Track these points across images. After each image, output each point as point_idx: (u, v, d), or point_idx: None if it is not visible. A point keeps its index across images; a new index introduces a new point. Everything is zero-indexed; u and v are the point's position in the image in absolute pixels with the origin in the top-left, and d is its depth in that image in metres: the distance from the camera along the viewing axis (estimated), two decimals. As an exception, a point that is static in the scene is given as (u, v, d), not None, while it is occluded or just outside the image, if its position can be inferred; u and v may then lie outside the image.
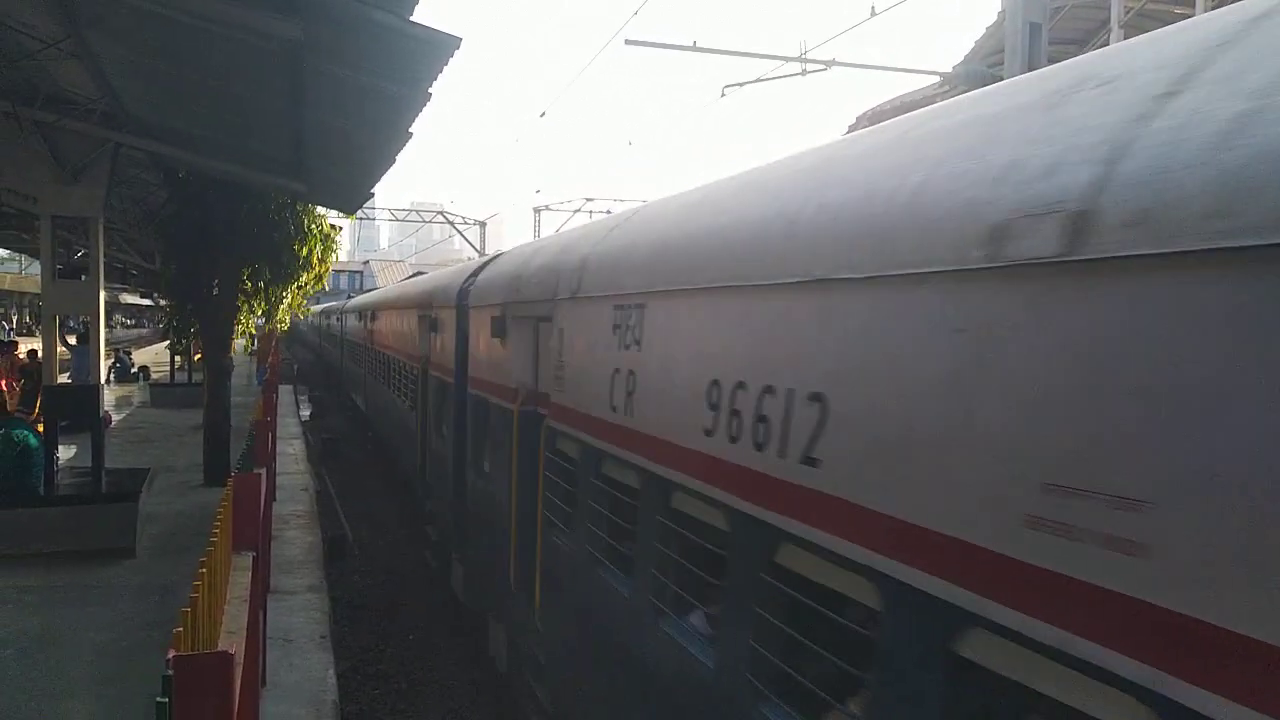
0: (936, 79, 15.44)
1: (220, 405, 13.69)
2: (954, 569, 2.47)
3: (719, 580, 3.90)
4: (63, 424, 11.03)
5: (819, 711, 3.16)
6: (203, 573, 3.43)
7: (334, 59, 6.40)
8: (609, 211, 32.60)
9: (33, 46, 7.81)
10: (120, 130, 9.97)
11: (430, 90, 6.54)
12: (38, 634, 7.35)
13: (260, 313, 15.01)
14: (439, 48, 5.72)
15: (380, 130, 7.79)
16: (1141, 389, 1.98)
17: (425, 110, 7.02)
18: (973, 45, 16.32)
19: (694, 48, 14.81)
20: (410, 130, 7.61)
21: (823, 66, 14.06)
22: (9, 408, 14.19)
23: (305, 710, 6.55)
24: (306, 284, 14.85)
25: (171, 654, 2.69)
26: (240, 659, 3.67)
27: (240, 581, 4.81)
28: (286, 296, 14.94)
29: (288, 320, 16.00)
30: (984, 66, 14.45)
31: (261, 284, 14.14)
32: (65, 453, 12.42)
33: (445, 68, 6.11)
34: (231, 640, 3.53)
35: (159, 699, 2.50)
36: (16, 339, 25.88)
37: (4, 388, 17.01)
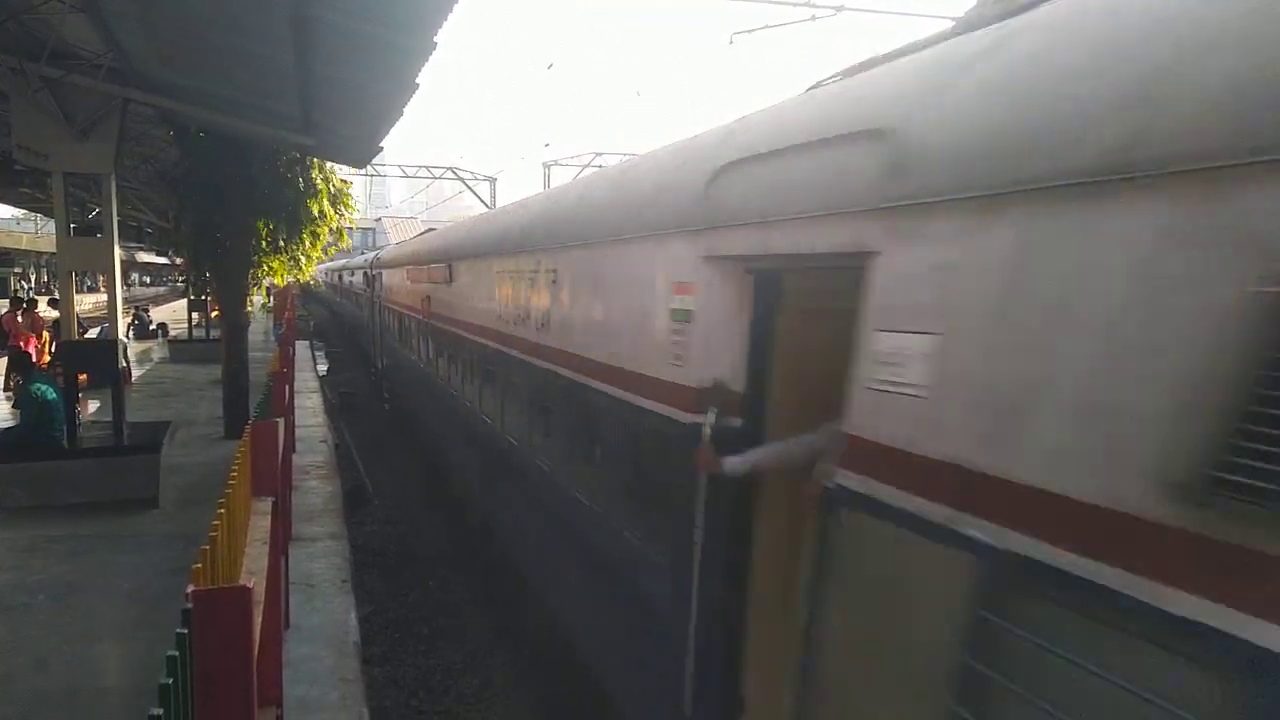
0: (950, 23, 15.13)
1: (238, 360, 13.86)
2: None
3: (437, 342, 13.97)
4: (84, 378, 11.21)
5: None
6: (221, 514, 3.54)
7: (337, 8, 6.37)
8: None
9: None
10: (128, 86, 9.97)
11: (436, 39, 6.50)
12: (68, 581, 7.57)
13: (278, 269, 15.04)
14: (442, -6, 5.69)
15: (386, 81, 7.77)
16: None
17: (432, 61, 7.00)
18: (988, -14, 15.92)
19: (703, -8, 14.56)
20: (417, 81, 7.58)
21: (832, 11, 13.82)
22: (39, 363, 14.44)
23: (328, 651, 6.75)
24: (321, 238, 14.88)
25: (190, 589, 2.79)
26: (261, 599, 3.79)
27: (261, 525, 4.94)
28: (314, 252, 14.97)
29: (313, 269, 16.19)
30: (998, 9, 14.14)
31: (281, 240, 14.20)
32: (90, 406, 12.63)
33: (449, 15, 6.08)
34: (251, 578, 3.65)
35: (178, 630, 2.60)
36: (36, 298, 26.15)
37: (28, 346, 17.29)
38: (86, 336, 16.35)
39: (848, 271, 3.17)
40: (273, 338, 26.63)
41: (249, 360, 14.32)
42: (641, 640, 5.26)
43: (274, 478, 5.66)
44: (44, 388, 10.22)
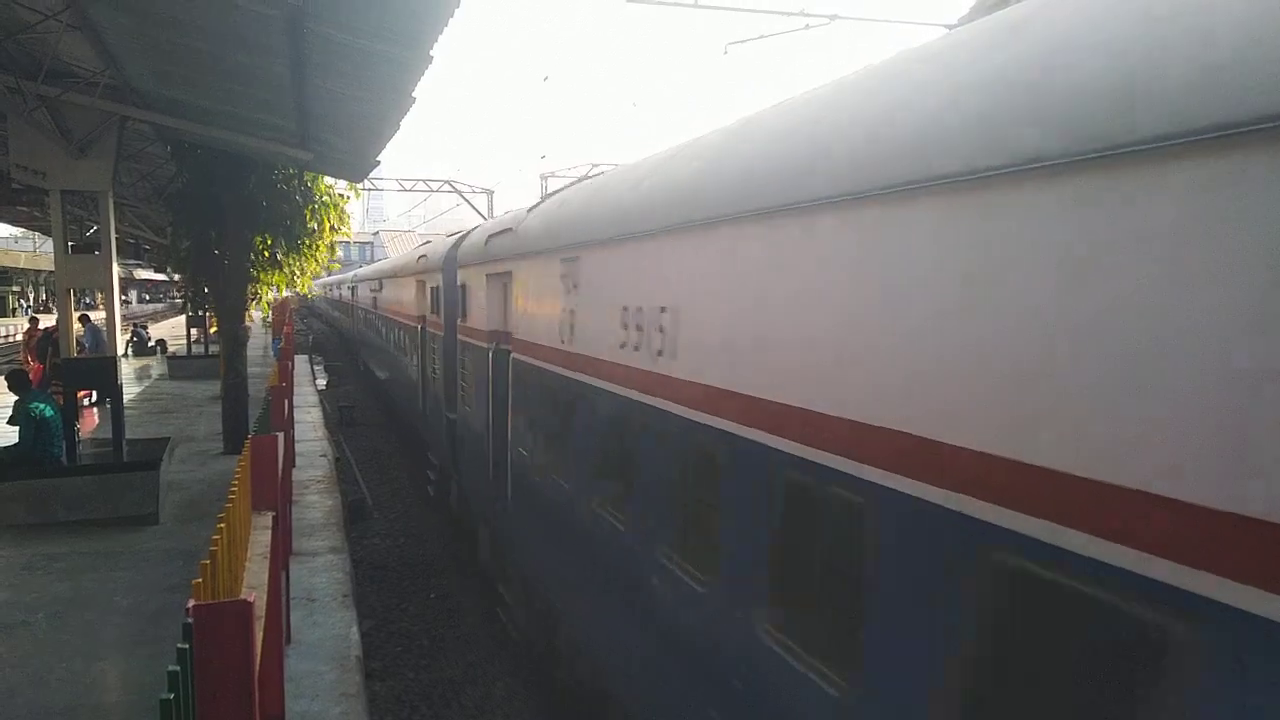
0: (942, 31, 15.22)
1: (237, 375, 13.85)
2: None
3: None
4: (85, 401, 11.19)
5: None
6: (221, 528, 3.53)
7: (333, 23, 6.39)
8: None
9: (31, 19, 7.82)
10: (125, 103, 9.99)
11: (432, 53, 6.52)
12: (67, 598, 7.54)
13: (277, 283, 15.06)
14: (438, 7, 5.71)
15: (383, 95, 7.78)
16: None
17: (428, 74, 7.02)
18: (979, -6, 16.02)
19: (695, 4, 14.63)
20: (414, 95, 7.60)
21: (825, 20, 13.89)
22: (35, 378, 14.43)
23: (329, 666, 6.72)
24: (320, 251, 14.91)
25: (191, 604, 2.78)
26: (262, 613, 3.78)
27: (261, 540, 4.93)
28: (308, 267, 14.98)
29: (310, 286, 16.21)
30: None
31: (279, 254, 14.22)
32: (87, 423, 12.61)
33: (445, 29, 6.10)
34: (252, 593, 3.64)
35: (179, 645, 2.59)
36: (36, 315, 26.20)
37: (27, 361, 17.33)
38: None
39: None
40: (272, 353, 26.64)
41: (248, 375, 14.32)
42: None
43: (274, 492, 5.64)
44: (41, 405, 10.21)
